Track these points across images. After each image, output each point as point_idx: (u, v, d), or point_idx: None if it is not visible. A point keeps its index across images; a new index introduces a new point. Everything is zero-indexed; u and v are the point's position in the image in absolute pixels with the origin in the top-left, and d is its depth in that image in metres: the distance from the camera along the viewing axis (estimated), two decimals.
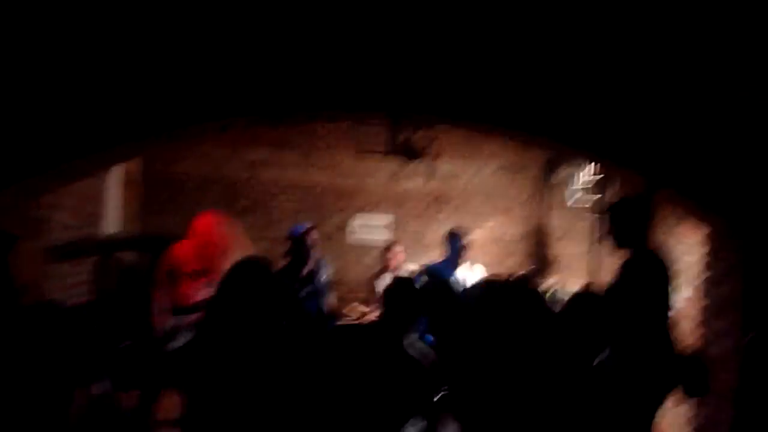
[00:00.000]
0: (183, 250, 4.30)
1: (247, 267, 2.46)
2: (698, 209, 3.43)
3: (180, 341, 4.28)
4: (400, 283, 2.72)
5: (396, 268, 5.67)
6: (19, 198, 3.38)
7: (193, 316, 4.27)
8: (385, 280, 5.59)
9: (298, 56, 2.99)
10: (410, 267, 5.90)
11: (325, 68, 2.99)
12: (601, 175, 5.02)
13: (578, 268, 6.51)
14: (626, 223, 3.49)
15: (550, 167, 6.41)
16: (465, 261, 4.86)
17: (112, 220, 5.65)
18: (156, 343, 4.18)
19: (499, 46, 2.98)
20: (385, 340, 2.51)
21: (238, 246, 4.33)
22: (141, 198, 6.40)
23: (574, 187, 6.04)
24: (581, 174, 5.69)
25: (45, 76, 2.96)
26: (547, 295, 6.01)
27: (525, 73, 3.03)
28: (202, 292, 4.26)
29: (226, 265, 4.27)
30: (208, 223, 4.31)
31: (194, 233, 4.30)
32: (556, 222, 6.58)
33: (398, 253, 5.62)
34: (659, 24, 2.93)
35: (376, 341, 2.54)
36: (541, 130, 3.13)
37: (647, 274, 3.39)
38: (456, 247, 4.76)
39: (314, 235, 4.85)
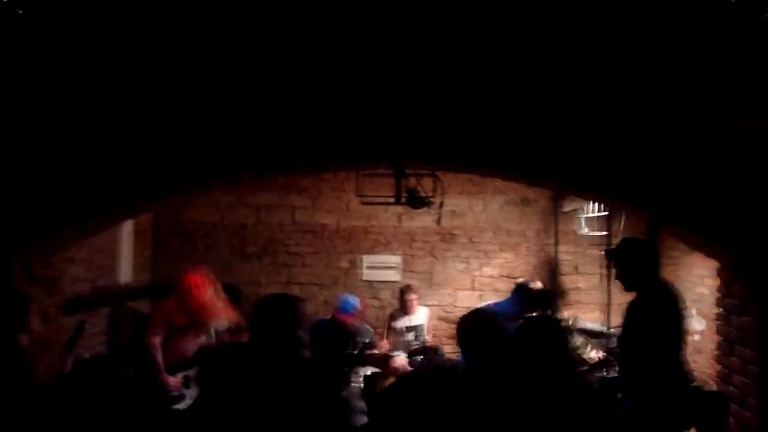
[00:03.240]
0: (170, 307, 4.51)
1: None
2: (707, 244, 3.42)
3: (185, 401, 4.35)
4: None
5: (413, 312, 5.73)
6: (33, 257, 3.44)
7: (189, 371, 4.40)
8: (403, 321, 5.66)
9: (301, 110, 3.06)
10: (422, 308, 5.92)
11: (327, 121, 3.05)
12: (607, 211, 5.02)
13: (590, 300, 6.47)
14: (630, 264, 3.50)
15: (559, 199, 6.42)
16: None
17: (124, 270, 5.71)
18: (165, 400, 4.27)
19: (497, 90, 3.04)
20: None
21: (218, 301, 4.51)
22: (152, 247, 6.48)
23: (583, 217, 6.04)
24: (591, 204, 5.69)
25: (56, 137, 3.05)
26: (566, 325, 6.00)
27: (524, 115, 3.07)
28: (192, 346, 4.43)
29: (208, 318, 4.53)
30: (189, 280, 4.56)
31: (178, 289, 4.53)
32: (567, 255, 6.56)
33: (414, 299, 5.77)
34: (661, 60, 2.98)
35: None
36: (543, 172, 3.16)
37: (656, 312, 3.37)
38: (525, 300, 4.70)
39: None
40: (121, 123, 3.07)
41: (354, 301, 5.06)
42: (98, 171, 3.09)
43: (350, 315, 4.91)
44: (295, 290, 6.58)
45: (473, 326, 2.60)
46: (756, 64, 2.88)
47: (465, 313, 2.75)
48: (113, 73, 3.02)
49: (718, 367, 3.65)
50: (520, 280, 5.04)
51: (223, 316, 4.64)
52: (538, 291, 4.70)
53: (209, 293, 4.54)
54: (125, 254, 5.72)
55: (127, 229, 5.71)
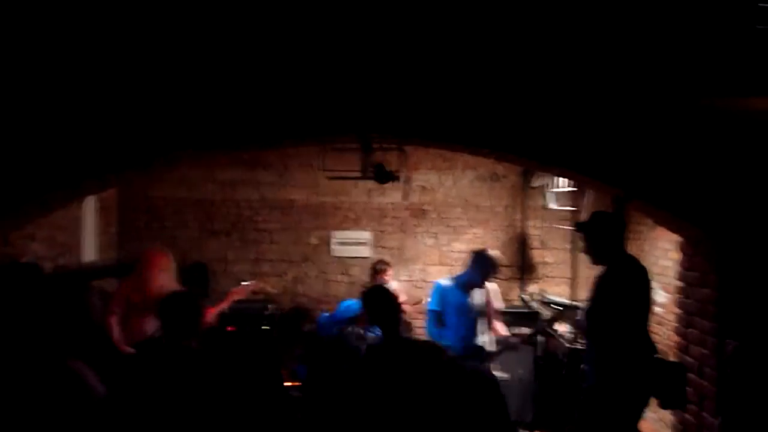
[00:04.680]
0: (129, 286, 4.45)
1: None
2: (669, 218, 3.48)
3: None
4: None
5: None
6: None
7: None
8: None
9: (265, 83, 3.00)
10: (392, 283, 5.94)
11: (294, 95, 3.00)
12: (575, 186, 5.07)
13: (557, 274, 6.58)
14: (600, 238, 3.55)
15: (528, 174, 6.47)
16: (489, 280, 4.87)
17: (88, 249, 5.59)
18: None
19: (464, 64, 3.01)
20: None
21: (170, 282, 4.46)
22: (117, 224, 6.35)
23: (552, 192, 6.10)
24: (559, 180, 5.74)
25: (14, 107, 2.93)
26: (534, 298, 6.11)
27: (491, 89, 3.05)
28: (150, 325, 4.35)
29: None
30: (147, 258, 4.49)
31: (137, 271, 4.47)
32: (535, 230, 6.64)
33: (389, 274, 5.74)
34: (630, 36, 2.98)
35: None
36: (509, 147, 3.16)
37: (623, 286, 3.44)
38: (483, 266, 4.76)
39: None
40: (84, 93, 2.96)
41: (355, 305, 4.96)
42: (60, 143, 2.99)
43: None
44: (265, 267, 6.56)
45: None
46: (725, 41, 2.91)
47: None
48: (75, 43, 2.90)
49: (678, 338, 3.74)
50: (476, 248, 5.08)
51: None
52: (494, 257, 4.79)
53: (160, 274, 4.47)
54: (89, 232, 5.60)
55: (90, 206, 5.58)
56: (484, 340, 4.80)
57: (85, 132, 2.98)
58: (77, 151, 2.99)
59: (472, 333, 4.76)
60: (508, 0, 2.92)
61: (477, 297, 4.80)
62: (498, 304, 5.00)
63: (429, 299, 5.04)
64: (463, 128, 3.12)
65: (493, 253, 4.84)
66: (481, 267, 4.73)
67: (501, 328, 4.95)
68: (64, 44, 2.88)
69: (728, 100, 3.04)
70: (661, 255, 5.73)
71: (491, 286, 4.93)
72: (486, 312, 4.83)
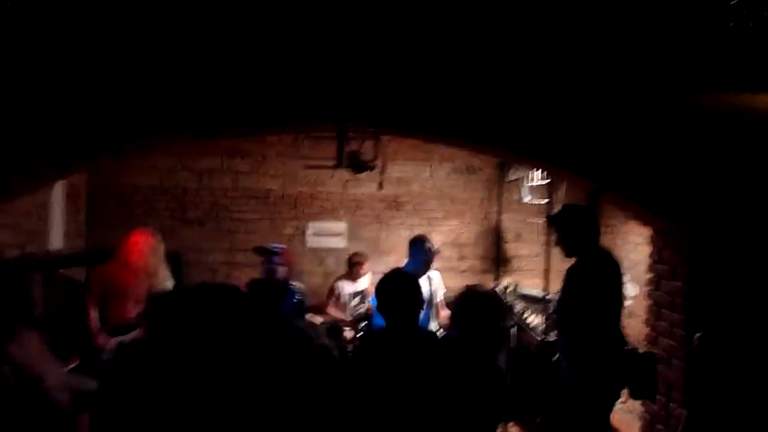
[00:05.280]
0: (112, 270, 4.32)
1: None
2: (641, 211, 3.52)
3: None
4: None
5: (359, 278, 5.72)
6: None
7: (131, 334, 4.24)
8: (349, 287, 5.63)
9: (240, 69, 2.94)
10: (367, 274, 5.93)
11: (268, 82, 2.95)
12: (549, 179, 5.10)
13: (531, 267, 6.63)
14: (571, 230, 3.57)
15: (504, 168, 6.50)
16: (431, 267, 4.82)
17: (56, 236, 5.46)
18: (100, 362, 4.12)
19: (441, 55, 2.99)
20: None
21: (159, 265, 4.34)
22: (86, 211, 6.22)
23: (527, 185, 6.13)
24: (534, 173, 5.77)
25: None
26: (508, 291, 6.13)
27: (467, 80, 3.04)
28: (133, 310, 4.25)
29: (149, 282, 4.32)
30: (135, 243, 4.34)
31: (122, 253, 4.32)
32: (510, 223, 6.67)
33: (365, 266, 5.75)
34: (604, 29, 2.99)
35: None
36: (486, 139, 3.16)
37: (595, 278, 3.47)
38: (422, 254, 4.72)
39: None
40: (47, 75, 2.87)
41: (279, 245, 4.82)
42: (22, 128, 2.90)
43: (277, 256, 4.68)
44: (239, 257, 6.48)
45: (393, 286, 2.85)
46: (696, 37, 2.94)
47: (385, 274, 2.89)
48: (38, 25, 2.81)
49: (648, 330, 3.79)
50: (413, 236, 5.03)
51: (165, 281, 4.46)
52: (430, 244, 4.75)
53: (150, 255, 4.35)
54: (57, 219, 5.47)
55: (58, 192, 5.45)
56: (432, 327, 4.80)
57: (50, 115, 2.90)
58: (41, 136, 2.91)
59: (422, 321, 4.77)
60: None
61: (423, 286, 4.79)
62: (441, 291, 5.00)
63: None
64: (439, 118, 3.10)
65: (430, 239, 4.81)
66: (419, 255, 4.72)
67: (447, 315, 4.94)
68: (27, 26, 2.79)
69: (699, 95, 3.08)
70: (632, 248, 5.81)
71: (434, 273, 4.92)
72: (431, 300, 4.82)
